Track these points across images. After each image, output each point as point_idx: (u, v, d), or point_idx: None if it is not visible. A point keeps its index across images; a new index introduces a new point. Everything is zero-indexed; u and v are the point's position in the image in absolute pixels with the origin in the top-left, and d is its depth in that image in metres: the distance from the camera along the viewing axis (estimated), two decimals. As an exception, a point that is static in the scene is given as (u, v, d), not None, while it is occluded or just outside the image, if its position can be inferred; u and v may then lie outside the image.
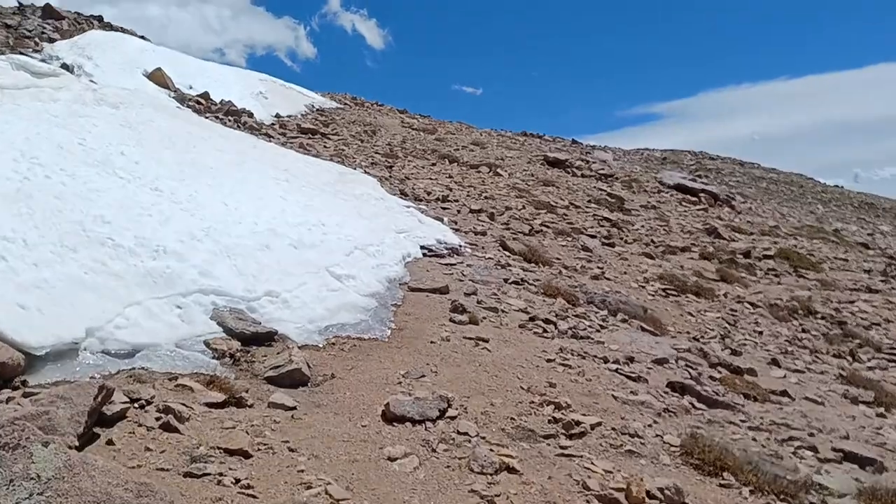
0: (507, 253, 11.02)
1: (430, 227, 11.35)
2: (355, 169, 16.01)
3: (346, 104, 31.70)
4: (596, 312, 8.80)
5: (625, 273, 11.67)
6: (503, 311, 7.87)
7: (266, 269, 6.86)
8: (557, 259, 11.65)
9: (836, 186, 50.13)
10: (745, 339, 9.38)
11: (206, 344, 5.59)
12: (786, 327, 10.53)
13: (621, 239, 15.16)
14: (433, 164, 19.55)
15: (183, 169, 9.13)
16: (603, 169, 25.30)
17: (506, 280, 9.22)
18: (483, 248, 11.14)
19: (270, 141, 17.60)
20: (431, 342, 6.52)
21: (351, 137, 21.86)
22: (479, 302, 7.98)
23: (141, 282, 5.92)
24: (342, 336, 6.43)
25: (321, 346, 6.16)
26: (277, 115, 24.12)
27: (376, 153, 19.46)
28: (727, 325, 9.81)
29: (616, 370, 6.63)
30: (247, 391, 5.06)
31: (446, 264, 9.51)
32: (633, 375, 6.64)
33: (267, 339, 6.00)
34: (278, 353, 5.72)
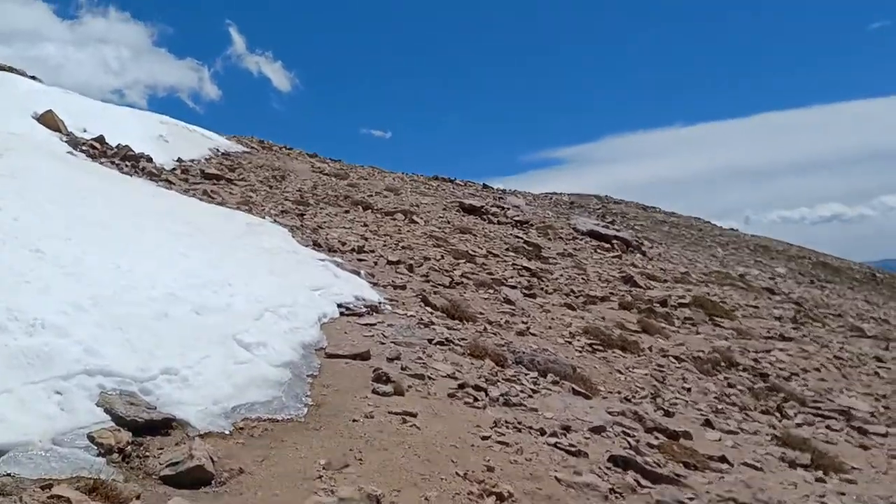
0: (430, 309, 10.45)
1: (347, 283, 10.68)
2: (264, 218, 15.20)
3: (252, 148, 30.73)
4: (526, 374, 8.31)
5: (549, 328, 11.29)
6: (430, 378, 7.26)
7: (164, 342, 6.02)
8: (481, 314, 11.16)
9: (732, 230, 52.30)
10: (676, 398, 9.09)
11: (91, 438, 4.72)
12: (712, 382, 10.35)
13: (542, 289, 14.87)
14: (347, 212, 18.91)
15: (70, 225, 8.18)
16: (518, 215, 25.25)
17: (430, 340, 8.63)
18: (404, 304, 10.54)
19: (172, 188, 16.58)
20: (354, 420, 5.83)
21: (259, 183, 20.98)
22: (403, 368, 7.35)
23: (12, 364, 5.01)
24: (252, 418, 5.66)
25: (228, 432, 5.37)
26: (179, 160, 22.95)
27: (286, 200, 18.66)
28: (656, 383, 9.52)
29: (555, 444, 6.12)
30: (138, 497, 4.26)
31: (366, 324, 8.85)
32: (573, 449, 6.14)
33: (164, 426, 5.18)
34: (177, 445, 4.93)
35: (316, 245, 13.53)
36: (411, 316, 9.76)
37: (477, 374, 7.72)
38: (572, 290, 15.43)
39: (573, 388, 8.22)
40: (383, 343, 8.18)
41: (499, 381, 7.68)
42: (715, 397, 9.52)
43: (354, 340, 8.11)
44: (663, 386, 9.45)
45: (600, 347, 10.63)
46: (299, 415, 5.89)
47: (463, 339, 9.16)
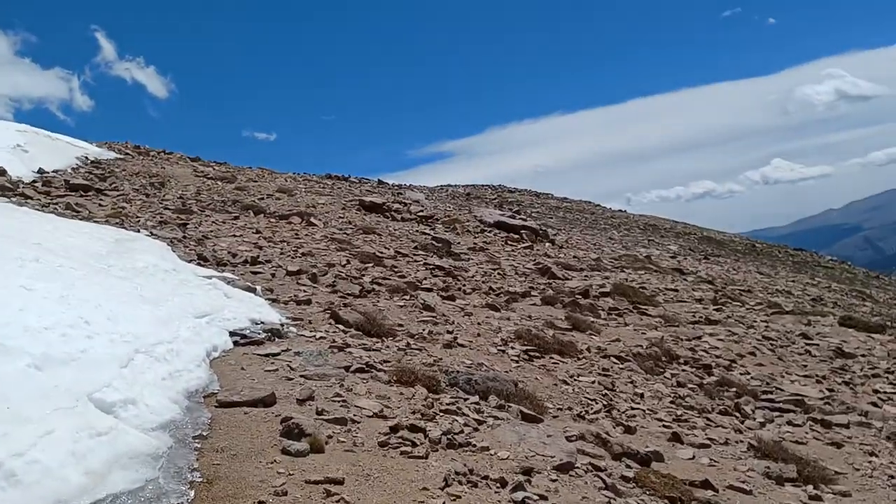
0: (341, 327, 8.98)
1: (241, 303, 9.05)
2: (139, 231, 13.22)
3: (127, 154, 28.09)
4: (465, 400, 6.98)
5: (478, 335, 10.04)
6: (354, 421, 5.82)
7: (-19, 420, 4.32)
8: (400, 326, 9.78)
9: (620, 211, 53.13)
10: (632, 408, 8.02)
11: None
12: (661, 382, 9.39)
13: (459, 289, 13.63)
14: (236, 218, 17.05)
15: None
16: (421, 210, 23.94)
17: (347, 368, 7.17)
18: (310, 322, 9.02)
19: (26, 203, 14.29)
20: (260, 502, 4.33)
21: (134, 192, 18.76)
22: (319, 412, 5.86)
23: None
24: (114, 521, 4.07)
25: (77, 549, 3.78)
26: (41, 171, 20.35)
27: (166, 209, 16.61)
28: (606, 391, 8.42)
29: (523, 500, 4.82)
30: None
31: (267, 355, 7.28)
32: None
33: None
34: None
35: (201, 259, 11.76)
36: (321, 338, 8.26)
37: (409, 409, 6.32)
38: (491, 288, 14.27)
39: (521, 412, 6.96)
40: (290, 378, 6.66)
41: (436, 413, 6.31)
42: (670, 401, 8.53)
43: (254, 379, 6.56)
44: (614, 394, 8.36)
45: (537, 353, 9.46)
46: (184, 502, 4.33)
47: (385, 361, 7.75)
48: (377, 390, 6.70)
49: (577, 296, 14.61)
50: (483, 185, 52.38)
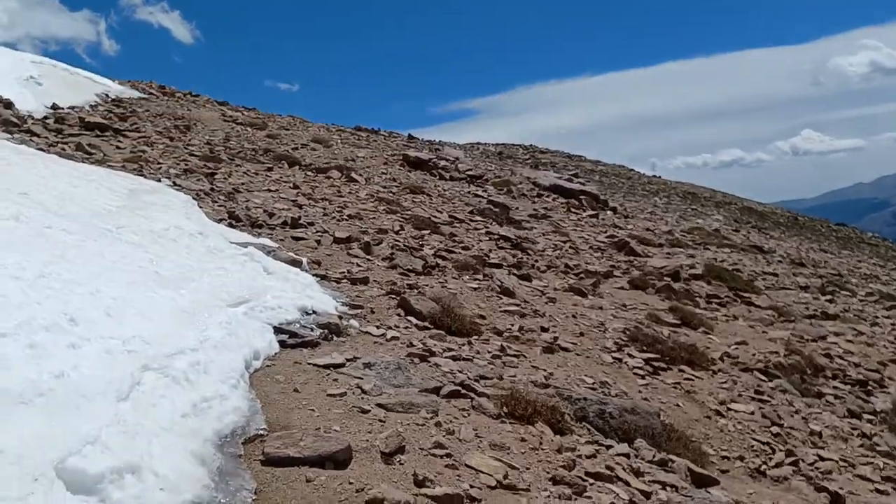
0: (413, 319, 6.92)
1: (286, 282, 6.99)
2: (160, 180, 11.18)
3: (151, 94, 25.98)
4: (607, 448, 4.92)
5: (581, 335, 7.94)
6: (472, 501, 3.76)
7: None
8: (482, 318, 7.71)
9: (656, 176, 50.34)
10: (819, 458, 5.90)
11: None
12: (826, 408, 7.28)
13: (533, 266, 11.53)
14: (269, 170, 14.96)
15: None
16: (469, 169, 21.70)
17: (438, 391, 5.09)
18: (373, 311, 6.96)
19: (31, 142, 12.27)
20: None
21: (157, 135, 16.68)
22: (419, 482, 3.78)
23: None
24: None
25: None
26: (54, 107, 18.34)
27: (192, 156, 14.55)
28: (773, 425, 6.31)
29: None
30: None
31: (328, 366, 5.23)
32: None
33: None
34: None
35: (233, 219, 9.71)
36: (393, 338, 6.19)
37: (543, 471, 4.25)
38: (567, 266, 12.13)
39: (689, 469, 4.88)
40: (365, 410, 4.59)
41: (583, 480, 4.24)
42: (860, 444, 6.42)
43: (314, 409, 4.50)
44: (785, 432, 6.25)
45: (661, 364, 7.36)
46: None
47: (482, 377, 5.69)
48: (488, 433, 4.63)
49: (665, 278, 12.45)
50: (514, 145, 49.97)
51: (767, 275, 14.57)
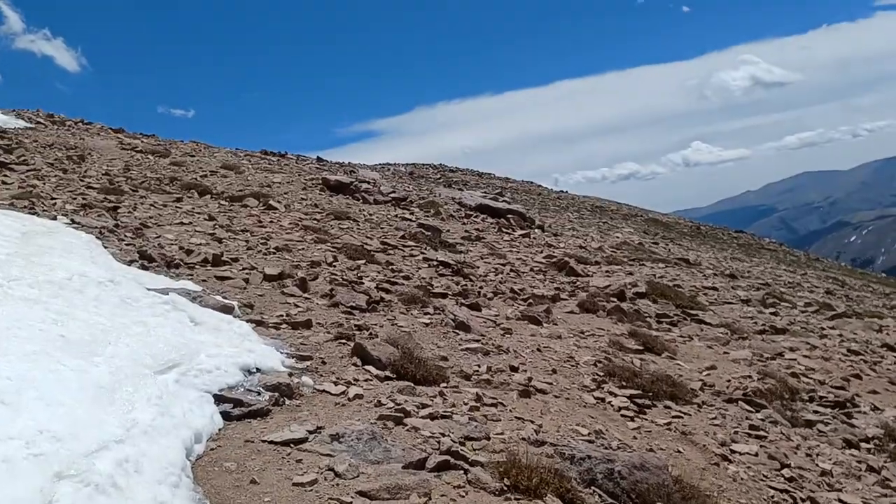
0: (372, 369, 5.99)
1: (218, 334, 5.94)
2: (56, 218, 9.84)
3: (39, 122, 23.91)
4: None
5: (553, 371, 7.18)
6: None
7: None
8: (444, 360, 6.86)
9: (563, 192, 51.06)
10: None
11: None
12: (823, 440, 6.75)
13: (479, 294, 10.77)
14: (179, 200, 13.67)
15: None
16: (393, 192, 20.85)
17: (423, 464, 4.20)
18: (326, 363, 6.00)
19: None
20: None
21: (48, 167, 15.05)
22: None
23: None
24: None
25: None
26: (-74, 140, 16.39)
27: (89, 188, 13.10)
28: (783, 467, 5.70)
29: None
30: None
31: (286, 443, 4.25)
32: None
33: None
34: None
35: (145, 258, 8.52)
36: (356, 396, 5.25)
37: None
38: (514, 291, 11.43)
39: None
40: (345, 503, 3.66)
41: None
42: (874, 483, 5.89)
43: (281, 508, 3.53)
44: (797, 475, 5.65)
45: (644, 401, 6.67)
46: None
47: (469, 438, 4.83)
48: (497, 516, 3.78)
49: (612, 299, 11.92)
50: (423, 164, 49.59)
51: (707, 289, 14.33)
